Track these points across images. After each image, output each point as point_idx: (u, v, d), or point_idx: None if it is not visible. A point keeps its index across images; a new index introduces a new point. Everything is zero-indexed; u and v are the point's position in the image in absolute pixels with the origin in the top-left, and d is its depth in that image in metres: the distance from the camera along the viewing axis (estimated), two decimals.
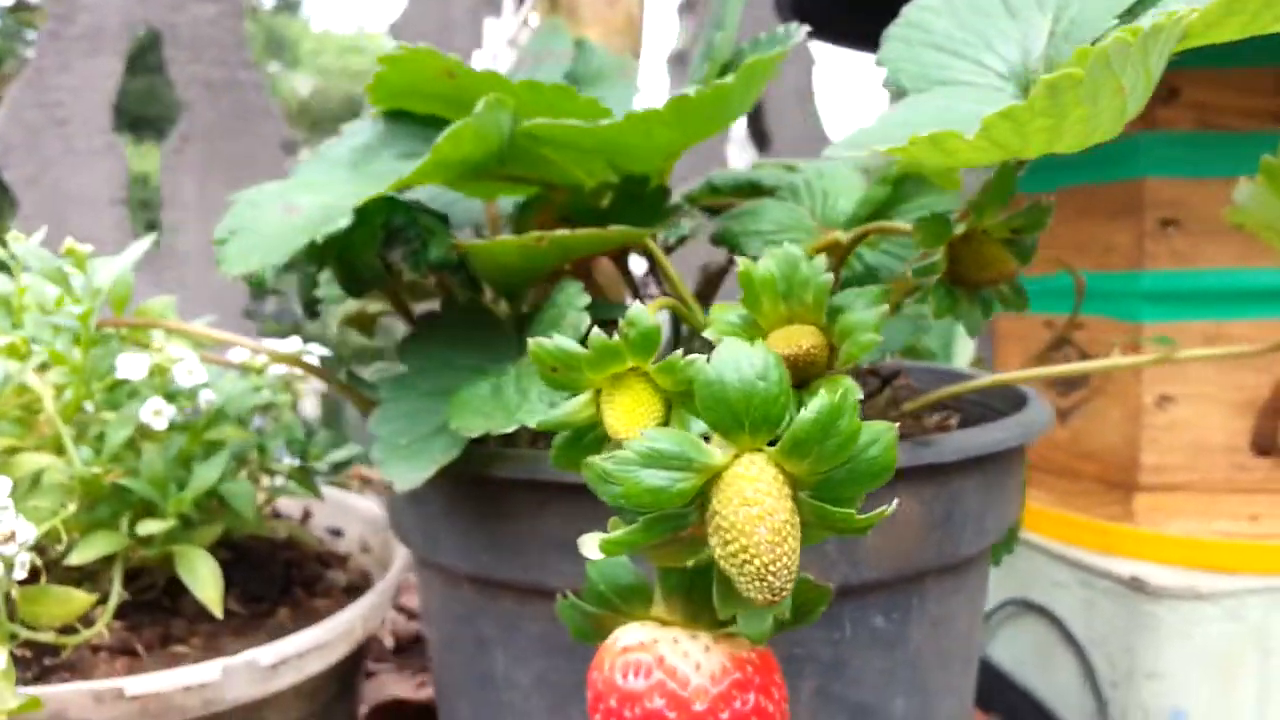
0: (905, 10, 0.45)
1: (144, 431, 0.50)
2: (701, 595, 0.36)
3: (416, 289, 0.52)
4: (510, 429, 0.40)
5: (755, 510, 0.31)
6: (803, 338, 0.37)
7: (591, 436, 0.36)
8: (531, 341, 0.35)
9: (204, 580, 0.50)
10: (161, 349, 0.54)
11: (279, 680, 0.50)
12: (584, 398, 0.35)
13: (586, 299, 0.42)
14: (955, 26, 0.43)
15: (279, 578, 0.59)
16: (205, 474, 0.51)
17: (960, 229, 0.40)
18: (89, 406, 0.53)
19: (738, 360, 0.32)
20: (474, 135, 0.42)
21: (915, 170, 0.53)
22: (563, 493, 0.44)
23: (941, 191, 0.54)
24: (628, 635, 0.37)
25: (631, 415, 0.34)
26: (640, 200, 0.47)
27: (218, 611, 0.50)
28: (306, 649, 0.50)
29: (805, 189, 0.56)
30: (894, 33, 0.44)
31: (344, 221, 0.40)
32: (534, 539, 0.45)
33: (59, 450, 0.50)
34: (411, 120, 0.51)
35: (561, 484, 0.44)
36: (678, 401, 0.35)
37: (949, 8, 0.44)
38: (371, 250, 0.43)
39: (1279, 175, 0.44)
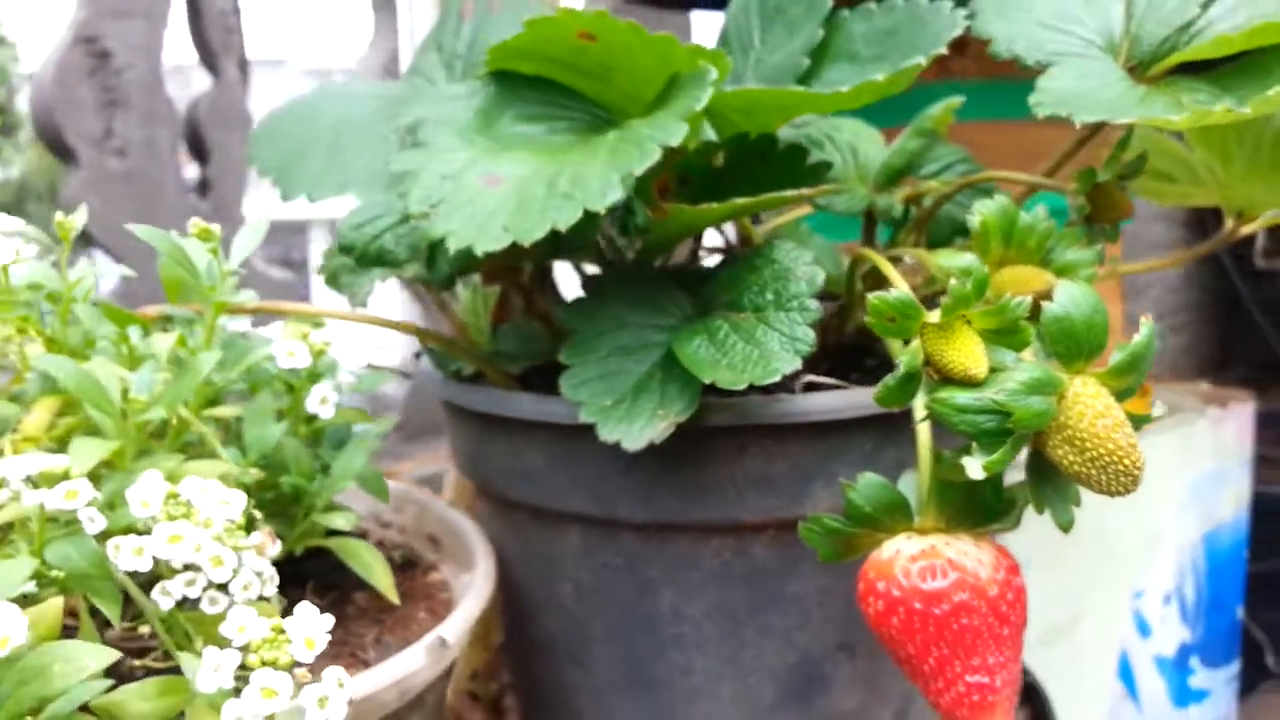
0: None
1: (298, 421, 0.47)
2: (967, 504, 0.42)
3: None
4: (773, 379, 0.43)
5: (1110, 421, 0.38)
6: (1040, 276, 0.44)
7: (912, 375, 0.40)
8: (873, 296, 0.39)
9: (375, 569, 0.48)
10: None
11: (451, 656, 0.50)
12: (916, 343, 0.40)
13: (810, 254, 0.46)
14: (1050, 7, 0.51)
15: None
16: (350, 461, 0.48)
17: (1102, 178, 0.48)
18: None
19: (1077, 300, 0.38)
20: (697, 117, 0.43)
21: (933, 127, 0.61)
22: (765, 434, 0.48)
23: (948, 145, 0.63)
24: (909, 546, 0.42)
25: (974, 354, 0.39)
26: (767, 160, 0.51)
27: (394, 598, 0.48)
28: (471, 619, 0.50)
29: (829, 142, 0.62)
30: (988, 7, 0.51)
31: (617, 195, 0.41)
32: (730, 480, 0.49)
33: (184, 451, 0.45)
34: (520, 81, 0.51)
35: (760, 426, 0.48)
36: (989, 339, 0.40)
37: None
38: (599, 220, 0.44)
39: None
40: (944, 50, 0.45)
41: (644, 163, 0.41)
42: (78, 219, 0.46)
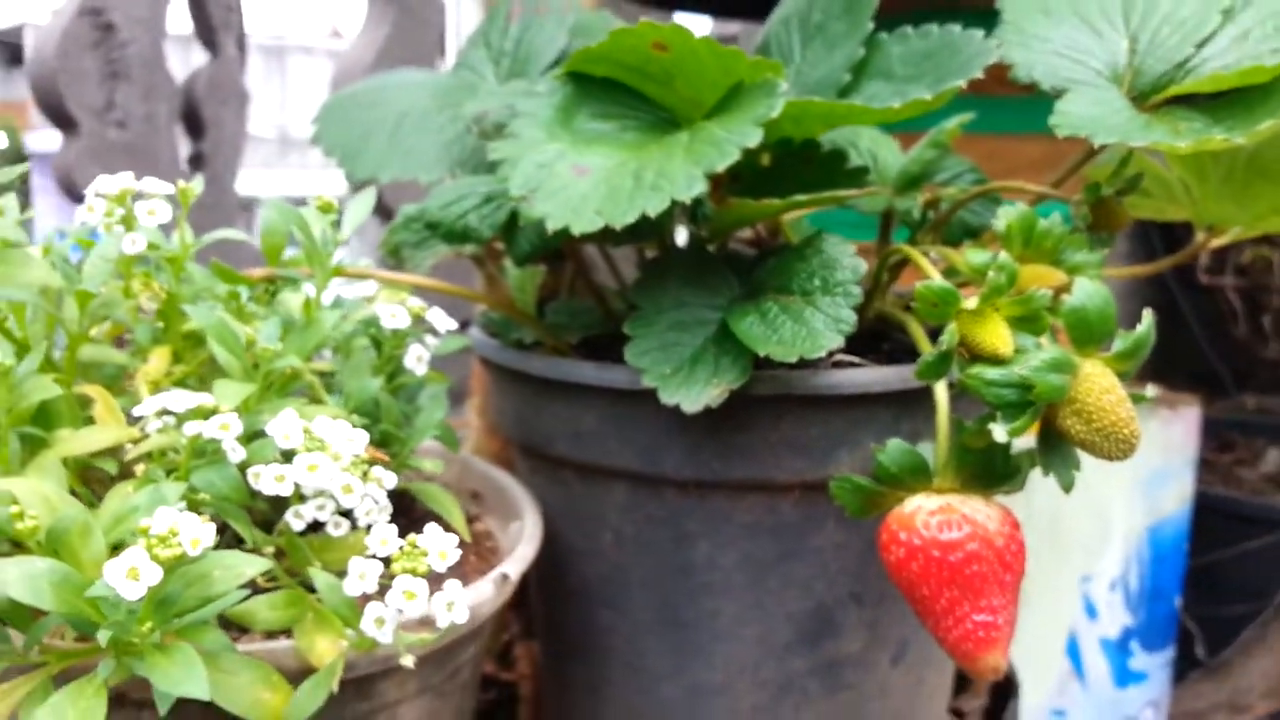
0: (1011, 16, 0.59)
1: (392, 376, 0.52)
2: (980, 468, 0.49)
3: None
4: (820, 354, 0.50)
5: (1113, 397, 0.45)
6: (1054, 274, 0.51)
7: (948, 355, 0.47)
8: (919, 285, 0.45)
9: (452, 512, 0.54)
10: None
11: (509, 591, 0.55)
12: (953, 325, 0.46)
13: (852, 247, 0.52)
14: (1065, 39, 0.58)
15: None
16: (432, 414, 0.54)
17: (1105, 192, 0.55)
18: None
19: (1091, 294, 0.45)
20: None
21: (946, 140, 0.67)
22: (800, 404, 0.55)
23: (957, 157, 0.69)
24: (929, 503, 0.49)
25: (1003, 337, 0.46)
26: (811, 163, 0.58)
27: (467, 536, 0.54)
28: (528, 560, 0.56)
29: (853, 148, 0.68)
30: (1010, 37, 0.58)
31: (700, 187, 0.47)
32: (767, 443, 0.55)
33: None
34: (593, 82, 0.57)
35: (798, 396, 0.54)
36: (1013, 324, 0.47)
37: (1051, 22, 0.58)
38: (676, 209, 0.50)
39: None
40: (979, 74, 0.52)
41: (724, 161, 0.47)
42: (197, 184, 0.51)
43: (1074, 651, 1.20)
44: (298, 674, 0.42)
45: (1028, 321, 0.47)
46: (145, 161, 1.60)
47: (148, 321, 0.52)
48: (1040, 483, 0.52)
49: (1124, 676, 1.27)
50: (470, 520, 0.67)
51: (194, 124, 1.72)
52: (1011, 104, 0.85)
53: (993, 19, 0.60)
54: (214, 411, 0.43)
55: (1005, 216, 0.50)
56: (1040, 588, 1.11)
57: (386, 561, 0.40)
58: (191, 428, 0.42)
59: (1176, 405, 1.25)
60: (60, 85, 1.50)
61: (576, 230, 0.47)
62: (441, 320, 0.55)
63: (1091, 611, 1.21)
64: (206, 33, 1.71)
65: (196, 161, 1.73)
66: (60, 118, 1.52)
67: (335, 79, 1.79)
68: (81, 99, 1.52)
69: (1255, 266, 2.07)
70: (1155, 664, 1.30)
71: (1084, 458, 0.49)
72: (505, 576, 0.53)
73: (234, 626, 0.45)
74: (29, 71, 1.53)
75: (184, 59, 1.65)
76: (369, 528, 0.44)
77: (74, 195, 1.52)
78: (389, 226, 0.64)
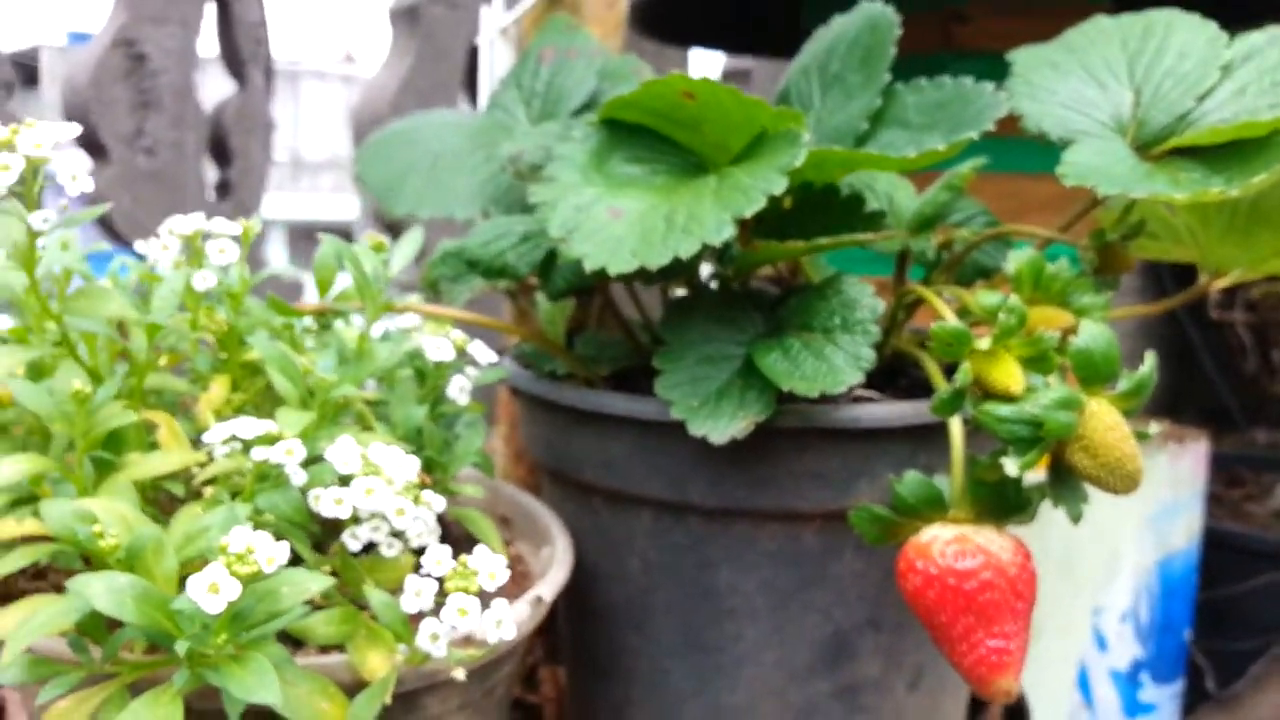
0: (1020, 70, 0.62)
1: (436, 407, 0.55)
2: (993, 500, 0.52)
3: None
4: (841, 389, 0.53)
5: (1118, 434, 0.48)
6: (1061, 315, 0.54)
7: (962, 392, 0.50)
8: (935, 325, 0.49)
9: (490, 535, 0.57)
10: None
11: (542, 613, 0.58)
12: (968, 364, 0.49)
13: (871, 288, 0.56)
14: (1071, 92, 0.61)
15: None
16: (471, 442, 0.57)
17: (1110, 237, 0.58)
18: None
19: (1097, 336, 0.48)
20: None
21: (960, 184, 0.71)
22: (821, 437, 0.57)
23: (969, 199, 0.73)
24: (944, 533, 0.51)
25: (1014, 376, 0.49)
26: (831, 206, 0.61)
27: (504, 557, 0.57)
28: (560, 584, 0.59)
29: (869, 191, 0.71)
30: (1020, 89, 0.61)
31: (729, 232, 0.50)
32: (790, 474, 0.58)
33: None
34: (624, 128, 0.60)
35: (820, 430, 0.57)
36: (1024, 364, 0.50)
37: (1059, 75, 0.62)
38: (703, 249, 0.53)
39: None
40: (990, 126, 0.55)
41: (752, 207, 0.50)
42: (254, 224, 0.54)
43: (1084, 682, 1.22)
44: (350, 687, 0.45)
45: (1037, 361, 0.50)
46: (173, 189, 1.65)
47: (207, 352, 0.56)
48: (1052, 516, 0.54)
49: (1133, 708, 1.28)
50: (503, 545, 0.70)
51: (221, 153, 1.77)
52: (1026, 145, 0.88)
53: (1002, 65, 0.64)
54: (279, 438, 0.46)
55: (1015, 260, 0.53)
56: (1052, 619, 1.14)
57: (440, 581, 0.43)
58: (259, 453, 0.45)
59: (1185, 440, 1.28)
60: (92, 114, 1.55)
61: (613, 271, 0.50)
62: (482, 353, 0.58)
63: (1102, 643, 1.23)
64: (235, 64, 1.76)
65: (223, 189, 1.77)
66: (91, 145, 1.56)
67: (358, 109, 1.83)
68: (113, 127, 1.57)
69: (1265, 303, 2.10)
70: (1164, 696, 1.32)
71: (1093, 492, 0.52)
72: (540, 599, 0.56)
73: (289, 641, 0.48)
74: (63, 100, 1.58)
75: (201, 80, 1.69)
76: (418, 550, 0.47)
77: (102, 223, 1.57)
78: (427, 261, 0.68)
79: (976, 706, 0.88)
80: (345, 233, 0.63)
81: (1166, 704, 1.34)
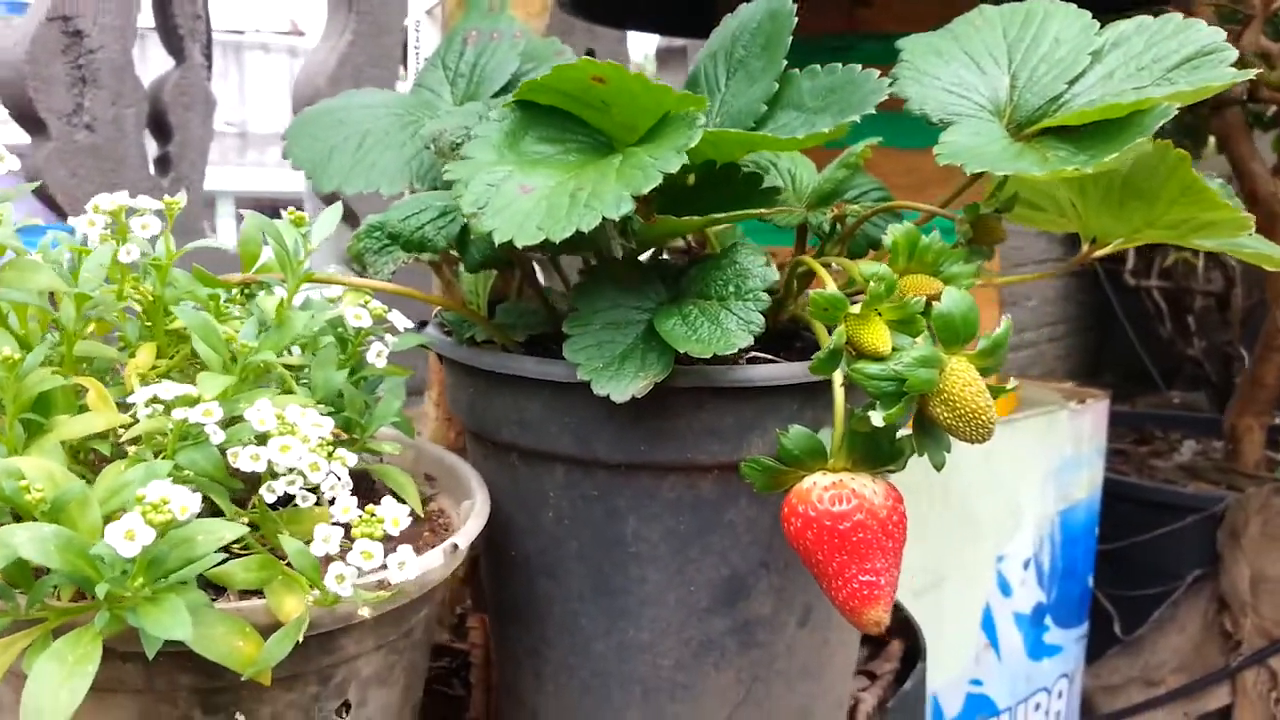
0: (908, 56, 0.67)
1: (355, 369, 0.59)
2: (869, 450, 0.56)
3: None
4: (732, 351, 0.57)
5: (974, 389, 0.53)
6: (933, 283, 0.58)
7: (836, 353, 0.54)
8: (814, 292, 0.53)
9: (407, 489, 0.60)
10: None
11: (457, 561, 0.62)
12: (841, 328, 0.54)
13: (764, 257, 0.60)
14: (953, 77, 0.65)
15: None
16: (390, 404, 0.61)
17: (983, 211, 0.63)
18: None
19: (957, 301, 0.53)
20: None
21: (856, 161, 0.75)
22: (717, 395, 0.62)
23: (866, 175, 0.77)
24: (823, 480, 0.56)
25: (883, 337, 0.53)
26: (731, 183, 0.65)
27: (421, 510, 0.61)
28: (474, 534, 0.63)
29: (774, 167, 0.75)
30: (906, 74, 0.66)
31: (628, 207, 0.54)
32: (688, 429, 0.63)
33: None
34: (538, 109, 0.64)
35: (715, 388, 0.62)
36: (893, 327, 0.54)
37: (942, 61, 0.66)
38: (608, 224, 0.57)
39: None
40: (872, 110, 0.59)
41: (649, 184, 0.54)
42: (181, 199, 0.57)
43: (989, 625, 1.29)
44: (268, 629, 0.49)
45: (905, 324, 0.54)
46: (113, 164, 1.65)
47: (134, 320, 0.59)
48: (956, 468, 0.59)
49: (1038, 649, 1.35)
50: (425, 500, 0.73)
51: (161, 128, 1.77)
52: (925, 122, 0.94)
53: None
54: (198, 400, 0.49)
55: (893, 233, 0.58)
56: (955, 566, 1.20)
57: (347, 528, 0.47)
58: (179, 413, 0.49)
59: (1086, 398, 1.34)
60: (29, 89, 1.55)
61: (520, 243, 0.54)
62: (401, 320, 0.62)
63: (1005, 588, 1.30)
64: (173, 40, 1.76)
65: (163, 163, 1.78)
66: (29, 121, 1.56)
67: (298, 85, 1.84)
68: (50, 103, 1.57)
69: (1178, 270, 2.18)
70: (1069, 639, 1.39)
71: (997, 448, 0.57)
72: (455, 546, 0.60)
73: (212, 588, 0.51)
74: (1, 79, 1.57)
75: (141, 54, 1.70)
76: (333, 501, 0.51)
77: (42, 197, 1.57)
78: (354, 235, 0.71)
79: (876, 645, 0.94)
80: (296, 203, 0.66)
81: (1071, 646, 1.41)
